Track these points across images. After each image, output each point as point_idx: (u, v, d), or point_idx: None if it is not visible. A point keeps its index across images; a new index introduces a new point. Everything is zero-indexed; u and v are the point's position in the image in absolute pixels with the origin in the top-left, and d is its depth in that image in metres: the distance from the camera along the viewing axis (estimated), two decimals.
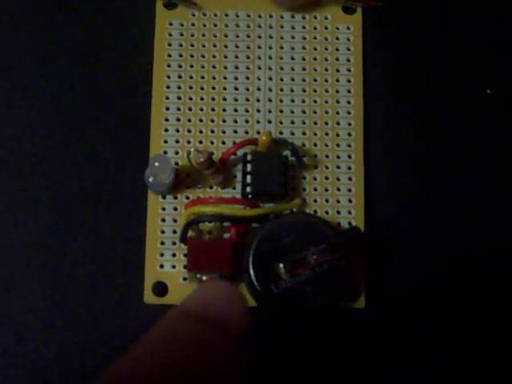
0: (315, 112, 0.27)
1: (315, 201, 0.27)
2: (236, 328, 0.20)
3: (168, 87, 0.27)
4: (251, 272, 0.24)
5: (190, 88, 0.28)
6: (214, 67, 0.28)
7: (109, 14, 0.29)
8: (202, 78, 0.28)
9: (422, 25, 0.29)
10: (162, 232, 0.26)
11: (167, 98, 0.27)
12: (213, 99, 0.27)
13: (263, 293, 0.24)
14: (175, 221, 0.26)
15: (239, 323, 0.20)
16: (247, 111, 0.27)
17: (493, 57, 0.29)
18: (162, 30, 0.28)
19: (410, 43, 0.29)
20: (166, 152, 0.27)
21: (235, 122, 0.27)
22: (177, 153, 0.27)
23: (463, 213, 0.27)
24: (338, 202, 0.27)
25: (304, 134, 0.27)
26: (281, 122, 0.27)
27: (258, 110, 0.27)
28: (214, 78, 0.28)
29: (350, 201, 0.27)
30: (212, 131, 0.27)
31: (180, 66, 0.28)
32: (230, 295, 0.20)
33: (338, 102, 0.28)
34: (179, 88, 0.27)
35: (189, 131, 0.27)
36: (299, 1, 0.28)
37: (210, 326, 0.20)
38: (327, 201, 0.27)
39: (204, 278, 0.24)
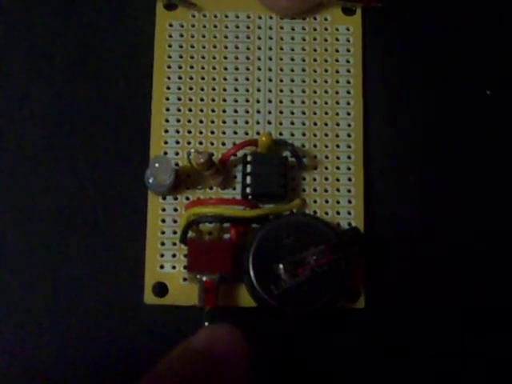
0: (315, 113, 0.28)
1: (315, 201, 0.27)
2: (241, 368, 0.20)
3: (168, 88, 0.27)
4: (251, 273, 0.24)
5: (190, 89, 0.28)
6: (214, 68, 0.28)
7: (109, 14, 0.29)
8: (202, 79, 0.28)
9: (421, 25, 0.29)
10: (162, 233, 0.26)
11: (167, 98, 0.27)
12: (213, 100, 0.27)
13: (263, 293, 0.24)
14: (175, 221, 0.26)
15: (243, 364, 0.21)
16: (247, 112, 0.27)
17: (493, 57, 0.29)
18: (162, 31, 0.28)
19: (410, 44, 0.29)
20: (166, 153, 0.27)
21: (235, 122, 0.27)
22: (177, 154, 0.27)
23: (463, 213, 0.27)
24: (338, 202, 0.27)
25: (304, 134, 0.27)
26: (281, 123, 0.27)
27: (258, 111, 0.27)
28: (214, 79, 0.28)
29: (350, 201, 0.27)
30: (212, 132, 0.27)
31: (180, 67, 0.28)
32: (234, 337, 0.21)
33: (337, 103, 0.28)
34: (179, 89, 0.28)
35: (189, 132, 0.27)
36: (295, 10, 0.28)
37: (219, 365, 0.20)
38: (327, 201, 0.27)
39: (204, 278, 0.24)
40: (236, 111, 0.27)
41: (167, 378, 0.20)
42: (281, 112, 0.28)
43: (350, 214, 0.27)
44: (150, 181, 0.26)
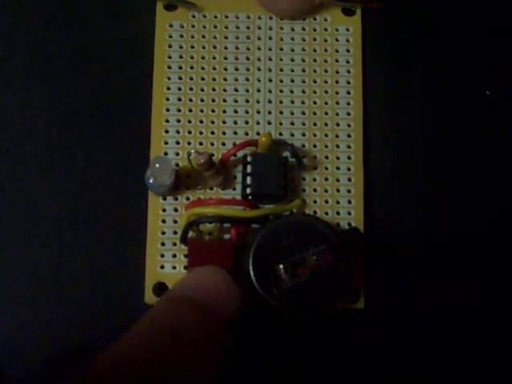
0: (315, 113, 0.28)
1: (315, 202, 0.27)
2: (227, 313, 0.20)
3: (168, 88, 0.28)
4: (251, 273, 0.24)
5: (191, 89, 0.28)
6: (214, 69, 0.28)
7: (109, 15, 0.29)
8: (202, 79, 0.28)
9: (421, 26, 0.29)
10: (163, 233, 0.26)
11: (167, 99, 0.27)
12: (213, 100, 0.28)
13: (263, 294, 0.24)
14: (176, 222, 0.26)
15: (230, 308, 0.20)
16: (247, 112, 0.28)
17: (492, 58, 0.29)
18: (163, 31, 0.28)
19: (410, 44, 0.29)
20: (166, 153, 0.27)
21: (235, 123, 0.27)
22: (177, 154, 0.27)
23: (463, 213, 0.27)
24: (338, 202, 0.27)
25: (304, 135, 0.27)
26: (280, 124, 0.27)
27: (258, 112, 0.28)
28: (214, 80, 0.28)
29: (350, 202, 0.27)
30: (212, 132, 0.27)
31: (180, 68, 0.28)
32: (221, 281, 0.21)
33: (337, 103, 0.28)
34: (179, 89, 0.28)
35: (189, 132, 0.27)
36: (295, 12, 0.28)
37: (202, 311, 0.20)
38: (327, 202, 0.27)
39: None
40: (236, 111, 0.27)
41: (151, 332, 0.20)
42: (281, 112, 0.28)
43: (349, 214, 0.27)
44: (151, 181, 0.26)
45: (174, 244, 0.26)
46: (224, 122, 0.27)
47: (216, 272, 0.22)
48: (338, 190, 0.27)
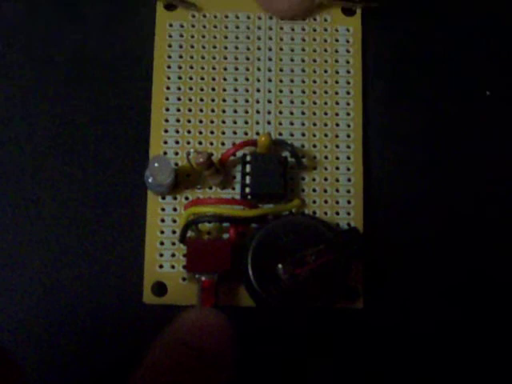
0: (314, 113, 0.28)
1: (314, 202, 0.27)
2: (228, 357, 0.20)
3: (168, 88, 0.28)
4: (250, 273, 0.24)
5: (190, 89, 0.28)
6: (213, 68, 0.28)
7: (109, 15, 0.29)
8: (202, 79, 0.28)
9: (421, 26, 0.29)
10: (162, 232, 0.26)
11: (167, 98, 0.27)
12: (212, 100, 0.28)
13: (262, 293, 0.24)
14: (174, 221, 0.26)
15: (230, 352, 0.20)
16: (247, 112, 0.28)
17: (492, 58, 0.29)
18: (162, 31, 0.28)
19: (410, 44, 0.29)
20: (165, 153, 0.27)
21: (235, 123, 0.27)
22: (176, 153, 0.27)
23: (462, 214, 0.27)
24: (337, 202, 0.27)
25: (303, 135, 0.27)
26: (280, 123, 0.27)
27: (258, 111, 0.28)
28: (213, 80, 0.28)
29: (349, 202, 0.27)
30: (211, 132, 0.27)
31: (180, 68, 0.28)
32: (221, 326, 0.21)
33: (337, 103, 0.28)
34: (179, 89, 0.28)
35: (188, 132, 0.27)
36: (294, 13, 0.28)
37: (202, 355, 0.20)
38: (326, 202, 0.27)
39: (203, 278, 0.24)
40: (235, 111, 0.27)
41: (154, 377, 0.20)
42: (280, 112, 0.28)
43: (349, 214, 0.27)
44: (150, 180, 0.26)
45: (173, 243, 0.26)
46: (223, 122, 0.27)
47: (218, 319, 0.22)
48: (337, 190, 0.27)
